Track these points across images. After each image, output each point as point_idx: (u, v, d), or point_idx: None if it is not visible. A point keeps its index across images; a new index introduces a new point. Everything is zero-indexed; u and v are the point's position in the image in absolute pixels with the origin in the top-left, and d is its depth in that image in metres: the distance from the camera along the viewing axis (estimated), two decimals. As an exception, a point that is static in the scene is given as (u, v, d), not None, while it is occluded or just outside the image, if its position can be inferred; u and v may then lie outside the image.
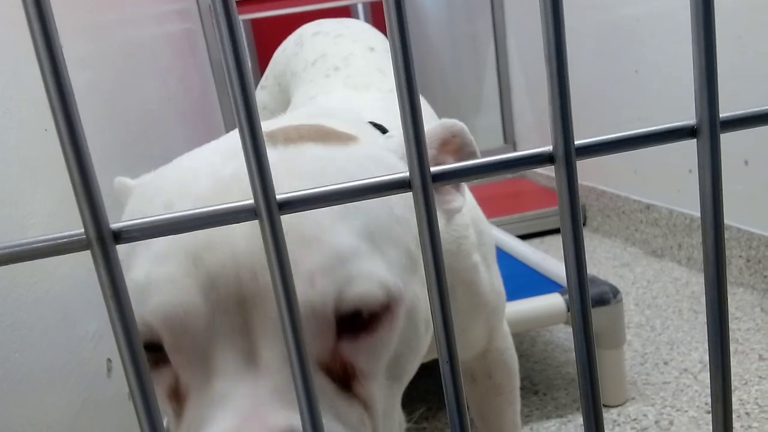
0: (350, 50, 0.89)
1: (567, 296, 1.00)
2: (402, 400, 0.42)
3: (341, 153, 0.39)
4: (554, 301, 0.96)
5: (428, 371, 0.58)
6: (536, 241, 1.79)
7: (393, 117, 0.62)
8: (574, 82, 1.62)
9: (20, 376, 0.52)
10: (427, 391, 1.07)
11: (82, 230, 0.19)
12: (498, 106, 2.26)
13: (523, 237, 1.75)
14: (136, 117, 1.01)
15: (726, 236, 1.33)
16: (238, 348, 0.33)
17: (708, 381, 1.00)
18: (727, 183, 1.27)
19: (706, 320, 0.24)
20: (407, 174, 0.21)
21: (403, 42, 0.19)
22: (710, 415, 0.24)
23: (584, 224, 1.88)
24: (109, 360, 0.69)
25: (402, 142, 0.38)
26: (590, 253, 1.66)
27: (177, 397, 0.35)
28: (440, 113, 0.81)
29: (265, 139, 0.39)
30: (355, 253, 0.34)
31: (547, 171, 2.05)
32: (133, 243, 0.37)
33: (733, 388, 1.00)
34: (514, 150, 2.15)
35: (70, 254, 0.20)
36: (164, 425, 0.21)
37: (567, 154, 0.21)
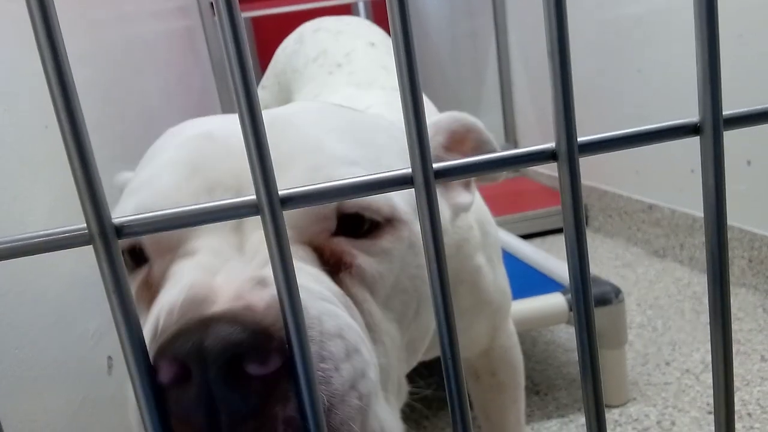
0: (352, 46, 0.89)
1: (569, 296, 1.00)
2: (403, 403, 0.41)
3: (364, 116, 0.40)
4: (556, 301, 0.96)
5: (430, 369, 0.58)
6: (538, 240, 1.78)
7: (397, 114, 0.62)
8: (576, 80, 1.61)
9: (20, 373, 0.52)
10: (428, 387, 1.07)
11: (84, 225, 0.19)
12: (499, 103, 2.26)
13: (525, 236, 1.75)
14: (135, 114, 1.01)
15: (728, 236, 1.33)
16: (226, 236, 0.32)
17: (710, 381, 1.00)
18: (730, 183, 1.27)
19: (708, 321, 0.24)
20: (409, 170, 0.21)
21: (406, 40, 0.19)
22: (712, 415, 0.24)
23: (586, 224, 1.88)
24: (109, 357, 0.69)
25: None
26: (592, 253, 1.65)
27: (150, 290, 0.34)
28: (441, 111, 0.81)
29: (269, 119, 0.39)
30: (357, 164, 0.34)
31: (549, 170, 2.05)
32: (146, 158, 0.37)
33: (735, 388, 1.00)
34: (516, 148, 2.13)
35: (71, 251, 0.20)
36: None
37: (570, 151, 0.21)
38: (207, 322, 0.25)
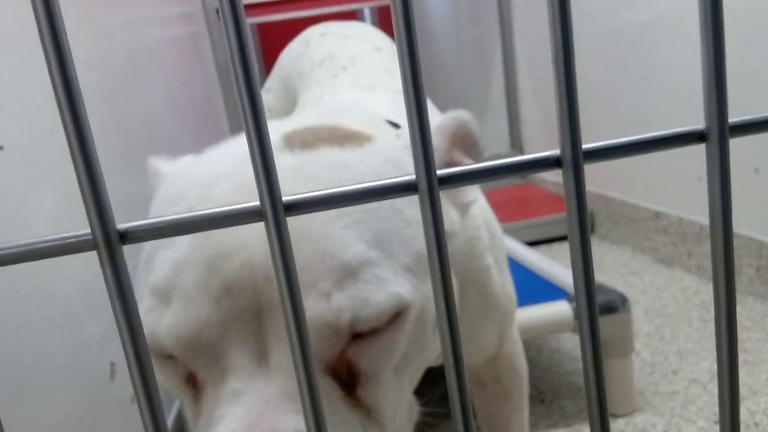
0: (357, 50, 0.90)
1: (574, 304, 1.00)
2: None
3: (357, 157, 0.39)
4: (561, 309, 0.95)
5: (434, 378, 0.58)
6: (543, 248, 1.78)
7: (401, 117, 0.62)
8: (581, 87, 1.61)
9: (25, 377, 0.52)
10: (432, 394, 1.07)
11: (89, 231, 0.19)
12: (505, 110, 2.26)
13: (530, 244, 1.74)
14: (140, 119, 1.01)
15: (736, 245, 1.32)
16: (252, 349, 0.34)
17: (717, 391, 0.99)
18: (738, 191, 1.26)
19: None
20: (413, 177, 0.21)
21: (410, 45, 0.19)
22: (719, 425, 0.24)
23: (593, 231, 1.87)
24: (112, 364, 0.69)
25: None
26: (598, 260, 1.65)
27: (194, 384, 0.36)
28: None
29: (283, 142, 0.39)
30: (366, 263, 0.34)
31: (555, 177, 2.04)
32: (156, 242, 0.38)
33: (742, 398, 0.99)
34: (522, 155, 2.12)
35: (76, 256, 0.20)
36: (179, 410, 0.21)
37: (575, 158, 0.21)
38: None
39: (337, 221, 0.34)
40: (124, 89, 0.96)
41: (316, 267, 0.33)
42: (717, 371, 0.24)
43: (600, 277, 1.52)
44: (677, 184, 1.48)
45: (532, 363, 1.17)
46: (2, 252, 0.19)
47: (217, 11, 1.86)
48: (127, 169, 0.86)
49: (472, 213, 0.57)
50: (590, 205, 1.85)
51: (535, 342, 1.24)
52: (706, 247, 1.41)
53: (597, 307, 0.22)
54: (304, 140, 0.39)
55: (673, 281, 1.44)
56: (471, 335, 0.61)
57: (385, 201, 0.38)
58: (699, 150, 0.22)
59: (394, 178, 0.21)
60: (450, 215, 0.44)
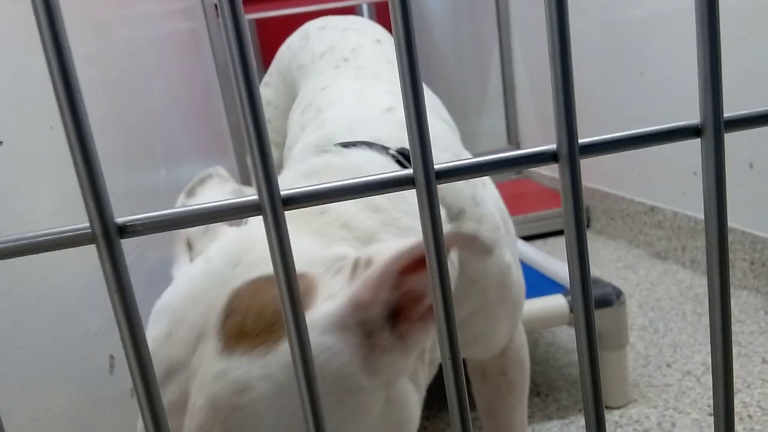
0: (358, 42, 0.89)
1: (570, 297, 1.00)
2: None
3: (264, 370, 0.34)
4: (557, 303, 0.96)
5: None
6: (539, 242, 1.78)
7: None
8: (578, 83, 1.62)
9: (23, 372, 0.52)
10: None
11: (88, 224, 0.19)
12: (502, 106, 2.26)
13: (527, 238, 1.75)
14: (139, 115, 1.01)
15: (731, 239, 1.33)
16: None
17: (711, 383, 1.00)
18: (732, 186, 1.27)
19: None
20: (411, 171, 0.21)
21: (408, 41, 0.20)
22: (713, 417, 0.24)
23: (588, 226, 1.88)
24: (111, 357, 0.69)
25: (332, 311, 0.35)
26: (594, 254, 1.65)
27: None
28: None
29: (216, 333, 0.36)
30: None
31: (551, 172, 2.05)
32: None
33: (735, 390, 1.00)
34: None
35: (75, 251, 0.20)
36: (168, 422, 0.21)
37: (571, 152, 0.21)
38: None
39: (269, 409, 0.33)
40: (123, 84, 0.96)
41: None
42: (711, 364, 0.24)
43: (595, 271, 1.53)
44: (672, 179, 1.49)
45: (528, 357, 1.18)
46: (1, 245, 0.19)
47: (216, 7, 1.85)
48: (126, 163, 0.86)
49: (490, 211, 0.58)
50: (586, 199, 1.86)
51: (531, 335, 1.24)
52: (701, 242, 1.42)
53: (592, 300, 0.23)
54: (230, 334, 0.35)
55: (668, 275, 1.45)
56: (490, 331, 0.62)
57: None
58: (694, 145, 0.22)
59: (391, 172, 0.21)
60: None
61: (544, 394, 1.06)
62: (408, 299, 0.37)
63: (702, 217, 1.44)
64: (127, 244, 0.76)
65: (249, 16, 2.02)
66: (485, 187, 0.61)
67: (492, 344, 0.65)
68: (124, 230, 0.20)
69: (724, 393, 0.24)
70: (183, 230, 0.46)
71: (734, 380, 1.08)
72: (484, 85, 2.38)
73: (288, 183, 0.44)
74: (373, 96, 0.68)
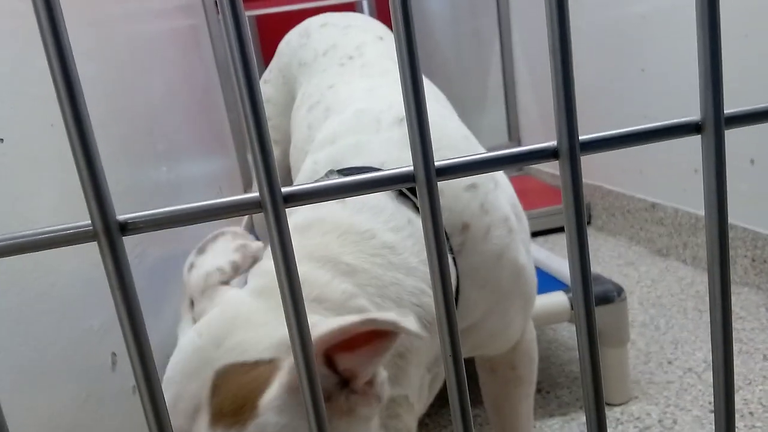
0: (362, 40, 0.89)
1: (571, 294, 1.00)
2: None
3: None
4: (558, 299, 0.96)
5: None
6: (540, 239, 1.78)
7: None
8: (579, 80, 1.61)
9: (24, 369, 0.52)
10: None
11: (89, 221, 0.19)
12: (503, 103, 2.26)
13: (528, 235, 1.75)
14: (139, 111, 1.01)
15: (731, 236, 1.33)
16: None
17: (712, 380, 1.00)
18: (733, 182, 1.26)
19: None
20: (411, 168, 0.21)
21: (408, 38, 0.20)
22: (714, 414, 0.24)
23: (589, 223, 1.88)
24: (113, 354, 0.69)
25: (279, 393, 0.41)
26: (595, 251, 1.65)
27: None
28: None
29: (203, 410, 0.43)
30: None
31: (552, 168, 2.04)
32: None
33: (736, 387, 1.00)
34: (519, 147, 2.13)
35: (76, 248, 0.20)
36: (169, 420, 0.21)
37: (571, 149, 0.21)
38: None
39: None
40: (123, 82, 0.96)
41: None
42: (712, 361, 0.24)
43: (596, 267, 1.53)
44: (673, 175, 1.48)
45: (528, 353, 1.18)
46: (3, 243, 0.20)
47: (216, 3, 1.85)
48: (127, 160, 0.86)
49: (501, 216, 0.58)
50: (587, 196, 1.85)
51: (531, 333, 1.24)
52: (702, 238, 1.42)
53: (593, 297, 0.23)
54: (215, 411, 0.43)
55: (669, 272, 1.45)
56: (504, 328, 0.62)
57: None
58: (695, 142, 0.22)
59: (392, 169, 0.21)
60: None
61: (545, 390, 1.06)
62: (349, 374, 0.41)
63: (703, 213, 1.43)
64: (129, 241, 0.76)
65: (249, 13, 2.02)
66: (497, 188, 0.61)
67: (506, 340, 0.65)
68: (126, 227, 0.20)
69: (725, 390, 0.24)
70: (187, 289, 0.52)
71: (735, 377, 1.08)
72: (484, 81, 2.38)
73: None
74: (383, 94, 0.68)
